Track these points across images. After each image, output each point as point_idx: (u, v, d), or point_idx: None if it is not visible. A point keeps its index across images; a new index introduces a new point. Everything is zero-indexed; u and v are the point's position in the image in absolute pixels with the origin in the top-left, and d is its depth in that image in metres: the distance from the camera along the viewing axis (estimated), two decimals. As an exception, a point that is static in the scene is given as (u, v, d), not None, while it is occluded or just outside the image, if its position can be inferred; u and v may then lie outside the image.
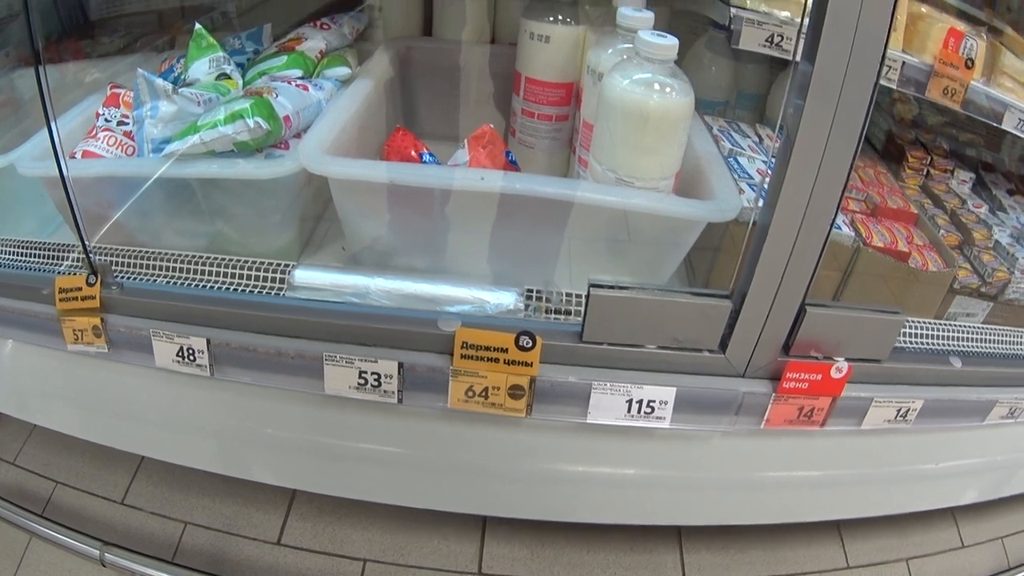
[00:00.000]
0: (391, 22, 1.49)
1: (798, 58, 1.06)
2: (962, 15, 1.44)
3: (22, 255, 1.33)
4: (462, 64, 1.41)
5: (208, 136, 1.06)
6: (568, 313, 1.03)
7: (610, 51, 1.08)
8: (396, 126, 1.14)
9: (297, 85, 1.19)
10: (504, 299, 1.02)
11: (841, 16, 0.77)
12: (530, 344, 0.96)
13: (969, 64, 1.16)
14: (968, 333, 1.24)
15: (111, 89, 1.30)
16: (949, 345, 1.20)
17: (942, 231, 1.32)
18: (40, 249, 1.30)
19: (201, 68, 1.23)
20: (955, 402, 1.13)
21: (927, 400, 1.10)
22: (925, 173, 1.43)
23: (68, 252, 1.26)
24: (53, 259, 1.26)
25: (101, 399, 1.24)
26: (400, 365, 0.99)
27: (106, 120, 1.25)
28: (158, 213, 1.16)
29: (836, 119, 0.83)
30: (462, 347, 0.97)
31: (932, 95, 1.17)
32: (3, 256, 1.34)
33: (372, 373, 1.00)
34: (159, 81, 1.13)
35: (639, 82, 0.98)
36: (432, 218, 1.05)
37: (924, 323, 1.19)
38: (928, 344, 1.19)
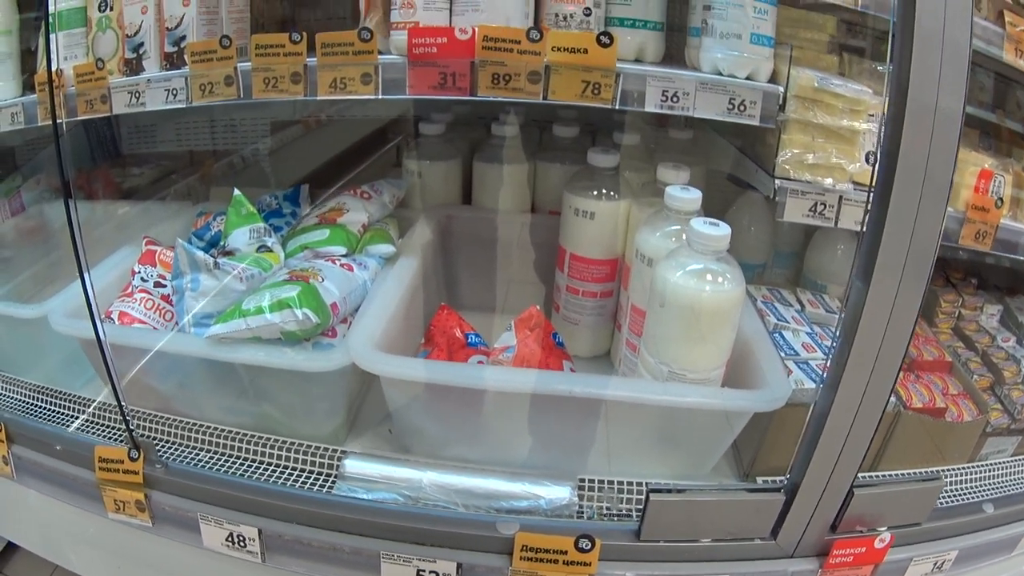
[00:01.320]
0: (430, 189, 1.48)
1: (840, 224, 1.07)
2: (980, 129, 1.44)
3: (53, 406, 1.31)
4: (502, 234, 1.41)
5: (254, 323, 1.04)
6: (627, 516, 1.04)
7: (658, 234, 1.08)
8: (440, 303, 1.13)
9: (342, 265, 1.18)
10: (558, 494, 1.03)
11: (905, 196, 0.78)
12: (589, 547, 0.97)
13: (999, 204, 1.16)
14: (999, 473, 1.26)
15: (147, 245, 1.28)
16: (982, 491, 1.22)
17: (975, 376, 1.33)
18: (76, 403, 1.29)
19: (241, 238, 1.21)
20: (987, 544, 1.16)
21: (961, 549, 1.12)
22: (956, 315, 1.44)
23: (106, 414, 1.25)
24: (95, 424, 1.25)
25: (140, 561, 1.23)
26: (459, 566, 0.99)
27: (142, 279, 1.23)
28: (200, 387, 1.15)
29: (898, 298, 0.84)
30: (522, 550, 0.97)
31: (965, 242, 1.18)
32: (36, 406, 1.33)
33: (431, 572, 1.00)
34: (199, 254, 1.11)
35: (692, 274, 0.97)
36: (483, 412, 1.04)
37: (958, 471, 1.21)
38: (963, 495, 1.21)
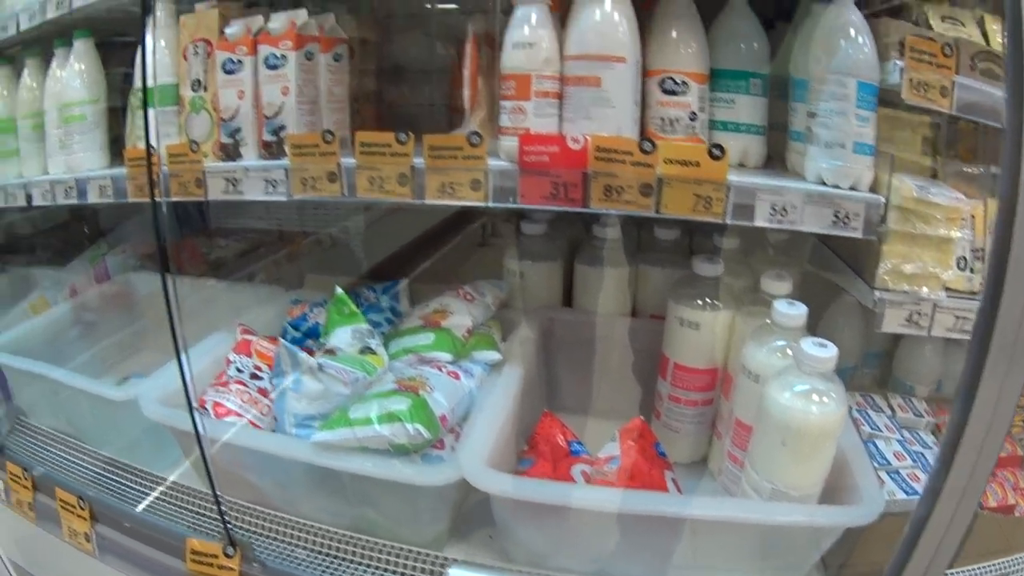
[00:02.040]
0: (530, 290, 1.46)
1: (933, 332, 1.05)
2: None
3: (139, 486, 1.31)
4: (603, 337, 1.38)
5: (362, 433, 1.03)
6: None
7: (765, 350, 1.06)
8: (542, 406, 1.11)
9: (449, 372, 1.16)
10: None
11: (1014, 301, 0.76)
12: None
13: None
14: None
15: (242, 334, 1.27)
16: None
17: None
18: (167, 488, 1.29)
19: (344, 337, 1.19)
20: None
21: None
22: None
23: (196, 500, 1.24)
24: (182, 507, 1.24)
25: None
26: None
27: (238, 370, 1.22)
28: (298, 487, 1.14)
29: (999, 403, 0.81)
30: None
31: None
32: (119, 483, 1.33)
33: None
34: (303, 356, 1.10)
35: (801, 395, 0.96)
36: (589, 527, 1.03)
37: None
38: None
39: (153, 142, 1.28)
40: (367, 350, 1.18)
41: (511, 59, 1.03)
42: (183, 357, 1.13)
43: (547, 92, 1.02)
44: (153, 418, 1.19)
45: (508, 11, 1.29)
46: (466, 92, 1.17)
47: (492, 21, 1.24)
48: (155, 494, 1.29)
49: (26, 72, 1.66)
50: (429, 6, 1.61)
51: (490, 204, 1.03)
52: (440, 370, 1.17)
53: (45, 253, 2.13)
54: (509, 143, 1.03)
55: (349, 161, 1.09)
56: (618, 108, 1.00)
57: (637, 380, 1.36)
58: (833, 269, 1.20)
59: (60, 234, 2.03)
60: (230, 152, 1.22)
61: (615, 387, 1.38)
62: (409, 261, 1.75)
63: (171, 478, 1.30)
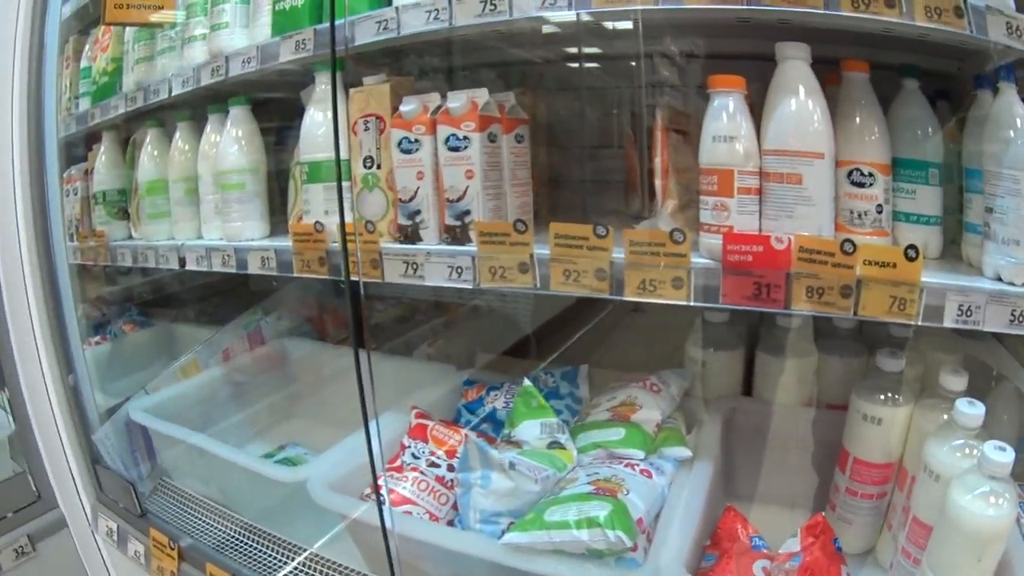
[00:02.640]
0: (711, 379, 1.52)
1: None
2: None
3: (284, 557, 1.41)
4: (782, 427, 1.44)
5: (559, 537, 1.08)
6: None
7: (946, 449, 1.08)
8: (722, 501, 1.15)
9: (642, 471, 1.21)
10: None
11: None
12: None
13: None
14: None
15: (417, 418, 1.35)
16: None
17: None
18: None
19: (531, 431, 1.26)
20: None
21: None
22: None
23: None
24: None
25: None
26: None
27: (414, 456, 1.31)
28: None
29: None
30: None
31: None
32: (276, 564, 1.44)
33: None
34: (493, 453, 1.17)
35: (982, 498, 0.98)
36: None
37: None
38: None
39: (321, 218, 1.42)
40: (556, 444, 1.24)
41: (712, 153, 1.07)
42: (375, 445, 1.22)
43: (749, 188, 1.06)
44: (325, 506, 1.29)
45: (655, 83, 1.38)
46: (658, 182, 1.21)
47: (683, 104, 1.32)
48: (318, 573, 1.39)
49: (178, 135, 1.83)
50: (601, 81, 1.70)
51: (691, 303, 1.09)
52: (633, 469, 1.21)
53: (190, 311, 2.35)
54: (712, 241, 1.07)
55: (542, 252, 1.17)
56: (818, 206, 1.04)
57: (812, 470, 1.40)
58: (997, 357, 1.25)
59: (209, 295, 2.22)
60: (408, 234, 1.31)
61: (790, 476, 1.42)
62: (567, 325, 1.86)
63: (334, 558, 1.40)
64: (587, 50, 1.72)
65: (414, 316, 2.11)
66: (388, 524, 1.19)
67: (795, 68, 1.05)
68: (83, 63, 2.09)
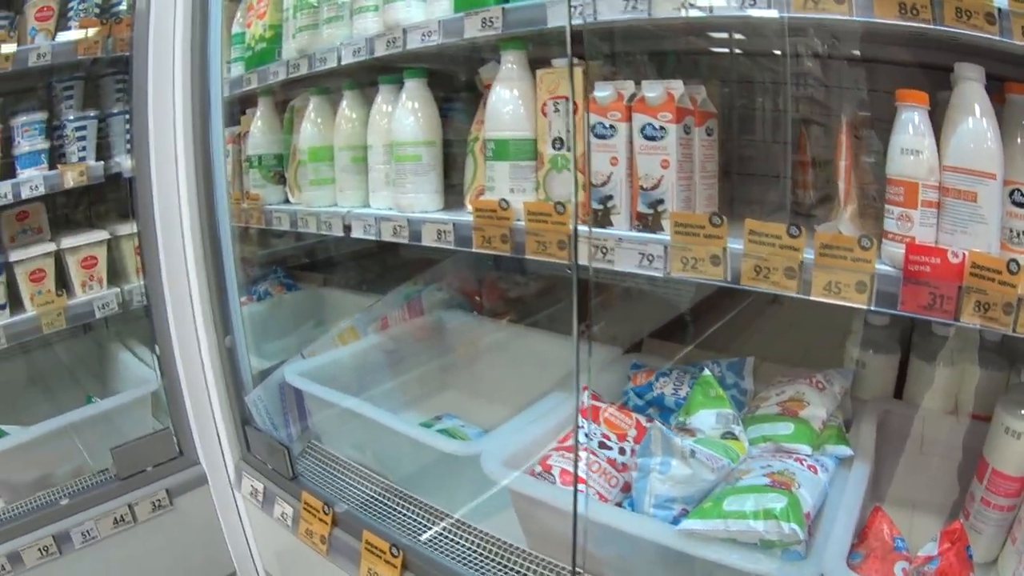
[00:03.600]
0: (867, 380, 1.77)
1: None
2: None
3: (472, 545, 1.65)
4: (928, 432, 1.66)
5: (735, 527, 1.29)
6: None
7: None
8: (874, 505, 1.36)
9: (808, 467, 1.41)
10: None
11: None
12: None
13: None
14: None
15: (591, 400, 1.59)
16: None
17: None
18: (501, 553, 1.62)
19: (707, 420, 1.48)
20: None
21: None
22: None
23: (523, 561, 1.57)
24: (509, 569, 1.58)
25: None
26: None
27: (586, 436, 1.54)
28: (643, 563, 1.44)
29: None
30: None
31: None
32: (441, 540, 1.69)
33: None
34: (676, 440, 1.38)
35: None
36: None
37: None
38: None
39: (507, 195, 1.66)
40: (730, 435, 1.44)
41: (899, 165, 1.25)
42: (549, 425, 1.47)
43: (930, 202, 1.24)
44: (499, 481, 1.52)
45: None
46: (841, 185, 1.40)
47: (864, 108, 1.51)
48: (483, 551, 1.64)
49: (345, 104, 2.12)
50: (765, 75, 1.90)
51: (871, 308, 1.27)
52: (801, 464, 1.41)
53: (339, 276, 2.70)
54: (895, 249, 1.25)
55: (735, 247, 1.37)
56: (990, 225, 1.20)
57: (952, 476, 1.60)
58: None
59: (357, 260, 2.55)
60: (599, 218, 1.53)
61: (930, 481, 1.63)
62: (710, 311, 2.08)
63: (505, 539, 1.63)
64: (752, 46, 1.90)
65: (556, 289, 2.38)
66: (581, 509, 1.42)
67: (973, 90, 1.22)
68: (235, 29, 2.42)
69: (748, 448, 1.47)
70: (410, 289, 2.35)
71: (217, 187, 2.24)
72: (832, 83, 1.69)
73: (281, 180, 2.42)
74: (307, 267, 2.99)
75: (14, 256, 2.55)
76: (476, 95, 2.01)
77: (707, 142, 1.55)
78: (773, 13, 1.31)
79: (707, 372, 1.52)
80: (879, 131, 1.47)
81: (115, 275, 2.76)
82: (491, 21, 1.62)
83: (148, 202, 2.21)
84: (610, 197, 1.53)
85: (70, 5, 2.69)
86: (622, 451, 1.52)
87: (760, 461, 1.44)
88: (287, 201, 2.41)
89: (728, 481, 1.40)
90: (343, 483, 1.91)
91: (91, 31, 2.58)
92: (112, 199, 3.04)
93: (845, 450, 1.50)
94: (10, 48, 2.46)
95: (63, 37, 2.61)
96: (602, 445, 1.53)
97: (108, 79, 2.89)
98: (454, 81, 2.18)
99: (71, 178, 2.59)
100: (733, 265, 1.36)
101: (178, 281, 2.21)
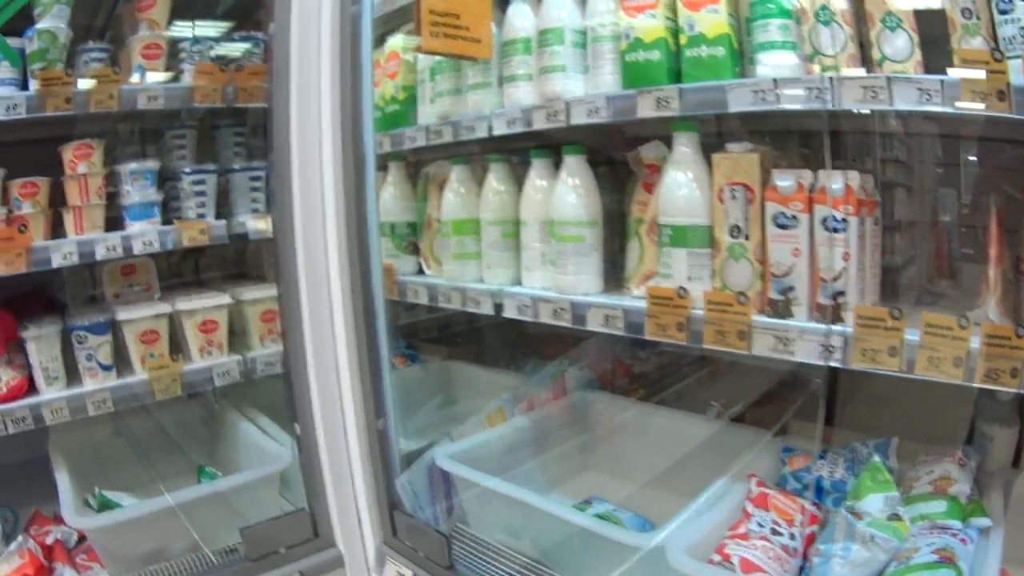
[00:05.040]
0: (992, 452, 2.26)
1: None
2: None
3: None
4: None
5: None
6: None
7: None
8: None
9: (960, 539, 1.72)
10: None
11: None
12: None
13: None
14: None
15: (758, 487, 2.02)
16: None
17: None
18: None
19: (875, 504, 1.90)
20: None
21: None
22: None
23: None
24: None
25: None
26: None
27: (759, 524, 1.95)
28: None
29: None
30: None
31: None
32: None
33: None
34: (860, 527, 1.80)
35: None
36: None
37: None
38: None
39: (684, 283, 2.10)
40: (895, 517, 1.85)
41: None
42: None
43: None
44: (687, 573, 1.86)
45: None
46: (991, 273, 1.78)
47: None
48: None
49: (492, 176, 2.51)
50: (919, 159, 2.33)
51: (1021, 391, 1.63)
52: (955, 537, 1.78)
53: (461, 349, 3.19)
54: None
55: (911, 337, 1.72)
56: None
57: None
58: None
59: (479, 334, 3.06)
60: (779, 309, 1.89)
61: None
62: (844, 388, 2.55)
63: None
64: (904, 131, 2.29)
65: (680, 365, 2.87)
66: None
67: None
68: (363, 86, 2.60)
69: (910, 527, 1.88)
70: (555, 368, 2.80)
71: (373, 255, 2.52)
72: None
73: (414, 250, 2.86)
74: (431, 339, 3.48)
75: (122, 315, 2.83)
76: (621, 170, 2.44)
77: (875, 231, 1.93)
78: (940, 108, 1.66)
79: (876, 459, 1.92)
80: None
81: (233, 341, 3.07)
82: (667, 101, 1.92)
83: (292, 266, 2.48)
84: (791, 288, 1.90)
85: (181, 46, 3.06)
86: (792, 536, 1.90)
87: (923, 539, 1.83)
88: (420, 272, 2.85)
89: (898, 560, 1.80)
90: (500, 571, 2.25)
91: (206, 77, 2.98)
92: (225, 259, 3.50)
93: (986, 521, 1.88)
94: (113, 91, 2.78)
95: (173, 78, 3.00)
96: (774, 532, 1.94)
97: (224, 131, 3.29)
98: (595, 155, 2.41)
99: (189, 236, 2.93)
100: (909, 356, 1.68)
101: (324, 353, 2.52)
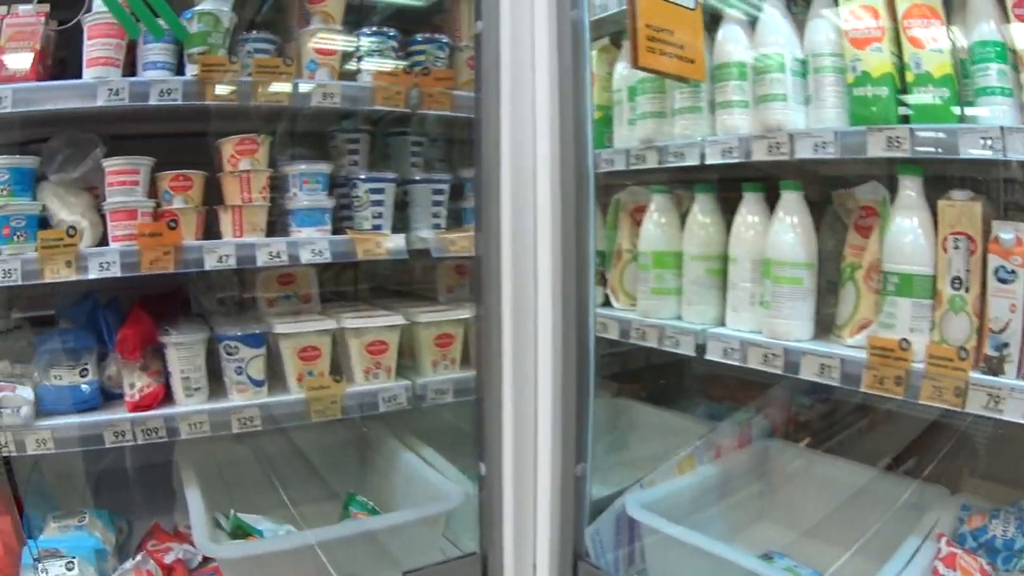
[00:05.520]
0: None
1: None
2: None
3: None
4: None
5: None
6: None
7: None
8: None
9: None
10: None
11: None
12: None
13: None
14: None
15: (947, 546, 2.46)
16: None
17: None
18: None
19: None
20: None
21: None
22: None
23: None
24: None
25: None
26: None
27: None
28: None
29: None
30: None
31: None
32: None
33: None
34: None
35: None
36: None
37: None
38: None
39: (906, 334, 2.38)
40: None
41: None
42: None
43: None
44: None
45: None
46: None
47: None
48: None
49: (697, 208, 2.90)
50: None
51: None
52: None
53: (632, 387, 3.73)
54: None
55: None
56: None
57: None
58: None
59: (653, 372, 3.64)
60: (992, 366, 2.20)
61: None
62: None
63: None
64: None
65: (842, 413, 3.45)
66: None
67: None
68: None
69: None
70: (744, 416, 3.30)
71: (590, 284, 2.80)
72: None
73: (601, 281, 3.21)
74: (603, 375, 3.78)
75: (280, 327, 3.09)
76: (815, 210, 2.70)
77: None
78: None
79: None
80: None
81: (400, 364, 3.36)
82: (898, 141, 2.19)
83: (495, 290, 2.74)
84: (1006, 344, 2.12)
85: (359, 43, 3.39)
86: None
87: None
88: (606, 303, 3.26)
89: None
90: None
91: (389, 78, 3.28)
92: (384, 274, 3.91)
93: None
94: (285, 85, 3.06)
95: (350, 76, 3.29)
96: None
97: (398, 138, 3.66)
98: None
99: (364, 249, 3.21)
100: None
101: (524, 388, 2.75)
